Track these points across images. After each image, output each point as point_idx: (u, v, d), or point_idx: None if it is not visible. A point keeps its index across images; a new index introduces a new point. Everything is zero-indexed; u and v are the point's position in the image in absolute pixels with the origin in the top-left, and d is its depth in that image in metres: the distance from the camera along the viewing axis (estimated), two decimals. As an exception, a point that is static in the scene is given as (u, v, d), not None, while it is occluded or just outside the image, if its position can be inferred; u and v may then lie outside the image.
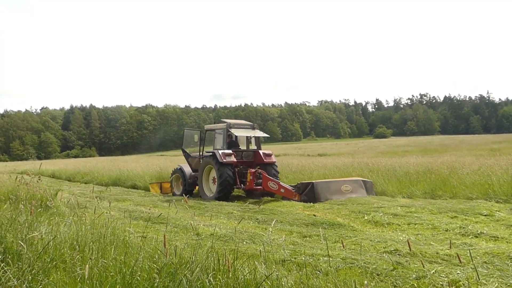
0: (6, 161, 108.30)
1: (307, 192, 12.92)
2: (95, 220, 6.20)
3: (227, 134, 14.93)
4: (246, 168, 14.75)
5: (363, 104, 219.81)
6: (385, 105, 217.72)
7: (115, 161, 45.20)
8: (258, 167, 14.87)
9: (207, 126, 16.23)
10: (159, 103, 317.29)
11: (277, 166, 15.24)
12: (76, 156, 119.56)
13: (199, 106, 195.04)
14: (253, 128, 15.47)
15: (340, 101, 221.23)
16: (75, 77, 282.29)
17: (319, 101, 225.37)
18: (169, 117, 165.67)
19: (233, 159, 14.23)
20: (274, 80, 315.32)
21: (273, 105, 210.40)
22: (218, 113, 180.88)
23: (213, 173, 14.71)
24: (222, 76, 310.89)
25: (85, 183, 25.39)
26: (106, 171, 26.69)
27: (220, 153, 14.19)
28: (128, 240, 5.37)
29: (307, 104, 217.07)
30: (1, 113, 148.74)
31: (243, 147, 15.92)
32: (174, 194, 16.75)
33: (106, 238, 5.15)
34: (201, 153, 15.83)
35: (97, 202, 12.84)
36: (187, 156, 16.78)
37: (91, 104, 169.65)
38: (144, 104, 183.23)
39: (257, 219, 9.75)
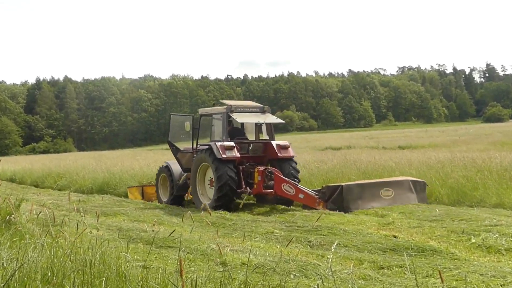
0: None
1: (335, 199, 14.06)
2: (76, 242, 6.36)
3: (227, 121, 15.93)
4: (254, 165, 15.79)
5: (467, 72, 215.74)
6: (501, 73, 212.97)
7: (102, 157, 46.06)
8: (269, 164, 16.01)
9: (201, 110, 17.53)
10: (164, 74, 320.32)
11: (296, 163, 16.33)
12: (45, 151, 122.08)
13: (222, 77, 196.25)
14: (264, 112, 16.53)
15: (431, 67, 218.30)
16: (42, 39, 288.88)
17: (399, 68, 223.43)
18: (178, 93, 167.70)
19: (235, 154, 15.24)
20: (329, 38, 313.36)
21: (330, 74, 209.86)
22: (249, 87, 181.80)
23: (210, 173, 15.74)
24: (252, 36, 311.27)
25: (59, 189, 26.01)
26: (89, 172, 27.27)
27: (218, 146, 15.11)
28: (124, 271, 5.49)
29: (382, 72, 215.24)
30: None
31: (251, 137, 17.00)
32: (160, 201, 18.44)
33: (93, 267, 5.29)
34: (194, 147, 16.98)
35: (78, 216, 13.16)
36: (175, 151, 18.00)
37: (65, 76, 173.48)
38: (141, 76, 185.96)
39: (310, 241, 9.81)
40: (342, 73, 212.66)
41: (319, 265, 7.60)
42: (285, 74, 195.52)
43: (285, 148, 16.04)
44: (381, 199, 14.31)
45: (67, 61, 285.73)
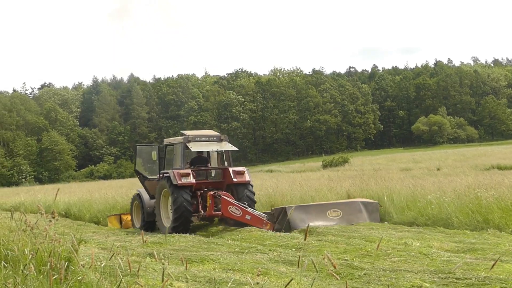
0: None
1: (280, 220, 20.12)
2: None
3: (185, 150, 22.88)
4: (211, 190, 22.41)
5: None
6: None
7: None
8: (230, 189, 22.76)
9: (166, 140, 25.35)
10: (262, 68, 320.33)
11: (252, 187, 23.25)
12: (106, 176, 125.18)
13: (341, 70, 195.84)
14: (221, 140, 23.48)
15: None
16: (99, 28, 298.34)
17: None
18: (282, 93, 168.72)
19: (191, 180, 21.81)
20: (492, 7, 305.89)
21: (496, 61, 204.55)
22: (380, 83, 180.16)
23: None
24: (378, 10, 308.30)
25: (128, 227, 26.88)
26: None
27: (175, 173, 21.66)
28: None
29: None
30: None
31: (216, 164, 24.34)
32: (134, 227, 25.62)
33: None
34: (160, 175, 23.62)
35: (154, 263, 13.52)
36: (142, 179, 25.32)
37: (131, 75, 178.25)
38: (231, 71, 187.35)
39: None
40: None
41: None
42: (431, 64, 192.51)
43: (240, 173, 22.75)
44: (328, 219, 20.56)
45: (132, 55, 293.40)
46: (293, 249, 16.65)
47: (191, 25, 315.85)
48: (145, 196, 24.80)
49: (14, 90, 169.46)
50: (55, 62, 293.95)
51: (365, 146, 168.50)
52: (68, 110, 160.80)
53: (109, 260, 7.57)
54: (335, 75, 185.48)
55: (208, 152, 24.18)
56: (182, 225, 21.45)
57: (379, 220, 21.36)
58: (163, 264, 8.89)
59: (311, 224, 18.54)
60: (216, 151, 23.78)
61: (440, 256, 14.37)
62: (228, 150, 23.59)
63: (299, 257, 6.93)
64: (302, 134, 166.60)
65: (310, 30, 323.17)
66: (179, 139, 23.36)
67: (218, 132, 24.49)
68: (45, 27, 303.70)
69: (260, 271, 7.63)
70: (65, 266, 8.40)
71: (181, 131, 24.36)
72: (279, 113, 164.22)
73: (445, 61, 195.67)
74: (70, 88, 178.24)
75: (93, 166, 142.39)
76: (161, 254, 15.16)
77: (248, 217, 20.92)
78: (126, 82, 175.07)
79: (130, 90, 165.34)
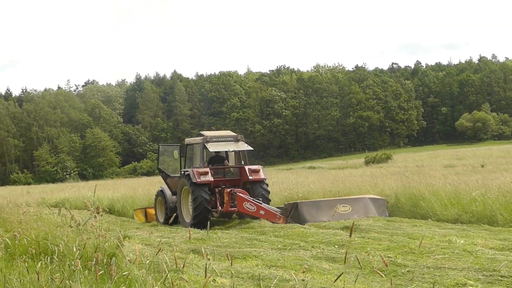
0: (29, 183, 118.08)
1: (293, 214, 21.55)
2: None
3: (203, 149, 24.50)
4: (230, 188, 23.86)
5: None
6: None
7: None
8: (247, 186, 24.13)
9: (187, 140, 27.17)
10: (304, 65, 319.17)
11: (267, 185, 24.66)
12: (149, 172, 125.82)
13: (384, 67, 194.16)
14: (237, 141, 25.02)
15: None
16: (141, 25, 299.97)
17: None
18: (324, 90, 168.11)
19: (209, 178, 23.30)
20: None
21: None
22: (423, 79, 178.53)
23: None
24: (419, 9, 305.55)
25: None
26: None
27: (194, 172, 23.18)
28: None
29: None
30: (16, 95, 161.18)
31: (234, 163, 26.12)
32: (158, 221, 27.53)
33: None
34: (182, 172, 25.26)
35: (197, 259, 13.65)
36: (165, 176, 27.18)
37: (174, 72, 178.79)
38: (273, 68, 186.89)
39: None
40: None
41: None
42: (475, 60, 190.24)
43: (256, 171, 24.12)
44: (338, 213, 21.17)
45: (175, 52, 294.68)
46: (336, 246, 16.60)
47: (234, 22, 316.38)
48: (168, 192, 26.62)
49: (59, 87, 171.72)
50: (99, 60, 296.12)
51: (408, 142, 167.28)
52: (111, 107, 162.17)
53: (155, 256, 7.63)
54: (378, 72, 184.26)
55: (226, 151, 25.75)
56: (201, 222, 22.44)
57: (386, 214, 22.93)
58: (208, 259, 8.94)
59: (322, 218, 21.43)
60: (232, 150, 25.41)
61: (484, 254, 14.23)
62: (244, 150, 25.02)
63: (346, 253, 6.89)
64: (345, 131, 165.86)
65: (352, 26, 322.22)
66: (198, 139, 25.18)
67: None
68: (89, 24, 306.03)
69: (305, 268, 7.64)
70: (114, 262, 8.51)
71: (200, 132, 27.06)
72: (322, 109, 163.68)
73: (489, 57, 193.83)
74: (114, 85, 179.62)
75: (136, 162, 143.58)
76: (205, 250, 15.30)
77: (262, 212, 22.42)
78: (169, 79, 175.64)
79: (172, 87, 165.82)
